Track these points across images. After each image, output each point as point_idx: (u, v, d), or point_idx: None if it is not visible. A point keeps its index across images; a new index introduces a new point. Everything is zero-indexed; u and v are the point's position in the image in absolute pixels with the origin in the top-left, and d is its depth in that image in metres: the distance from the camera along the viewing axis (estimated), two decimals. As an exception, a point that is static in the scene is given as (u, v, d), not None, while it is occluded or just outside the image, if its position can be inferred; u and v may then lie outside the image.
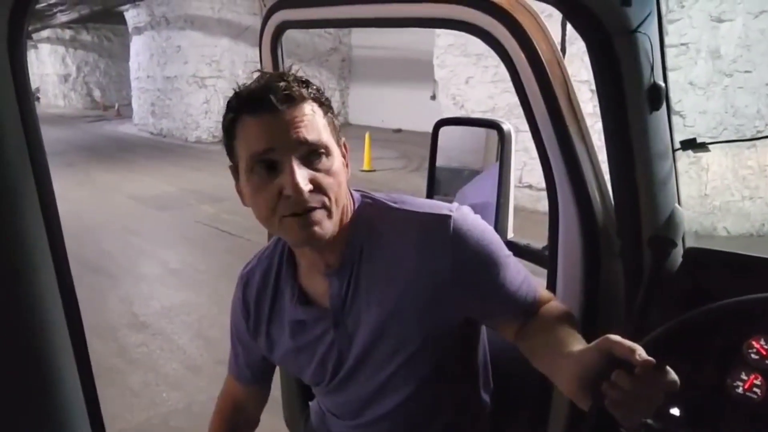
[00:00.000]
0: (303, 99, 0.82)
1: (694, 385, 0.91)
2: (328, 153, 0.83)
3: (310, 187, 0.80)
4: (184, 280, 4.62)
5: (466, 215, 0.92)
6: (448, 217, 0.89)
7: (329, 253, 0.92)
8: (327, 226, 0.83)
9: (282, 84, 0.80)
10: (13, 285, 0.51)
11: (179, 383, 3.03)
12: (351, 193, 0.94)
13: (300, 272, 0.98)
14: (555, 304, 0.98)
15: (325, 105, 0.86)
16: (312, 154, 0.81)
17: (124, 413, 2.74)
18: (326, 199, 0.82)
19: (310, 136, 0.80)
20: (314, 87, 0.86)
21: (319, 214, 0.82)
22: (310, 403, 1.27)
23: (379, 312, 0.92)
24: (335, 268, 0.92)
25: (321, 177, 0.81)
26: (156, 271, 4.83)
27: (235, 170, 0.89)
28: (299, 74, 0.87)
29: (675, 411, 0.93)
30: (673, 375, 0.69)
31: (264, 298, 1.03)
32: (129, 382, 3.04)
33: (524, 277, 0.96)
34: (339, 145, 0.88)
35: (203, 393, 2.88)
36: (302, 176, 0.79)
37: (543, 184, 1.16)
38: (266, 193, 0.82)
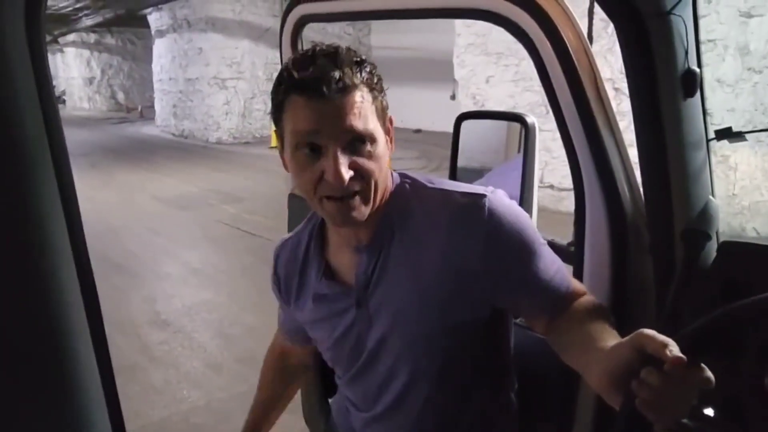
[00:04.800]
0: (355, 87, 0.81)
1: (730, 383, 0.87)
2: (372, 140, 0.83)
3: (350, 174, 0.82)
4: (206, 279, 4.66)
5: (502, 198, 0.90)
6: (484, 196, 0.88)
7: (363, 230, 0.92)
8: (363, 211, 0.86)
9: (336, 73, 0.80)
10: (34, 285, 0.51)
11: (200, 381, 3.04)
12: (391, 173, 0.94)
13: (329, 247, 0.99)
14: (589, 299, 0.95)
15: (375, 89, 0.85)
16: (356, 141, 0.82)
17: (146, 410, 2.76)
18: (365, 185, 0.84)
19: (357, 125, 0.81)
20: (367, 68, 0.85)
21: (357, 200, 0.85)
22: (330, 400, 1.26)
23: (403, 294, 0.91)
24: (365, 243, 0.93)
25: (363, 163, 0.83)
26: (178, 270, 4.88)
27: (280, 137, 0.89)
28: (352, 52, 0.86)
29: (709, 411, 0.90)
30: (708, 372, 0.66)
31: (293, 271, 1.05)
32: (151, 379, 3.07)
33: (558, 268, 0.93)
34: (385, 126, 0.88)
35: (223, 391, 2.89)
36: (344, 164, 0.81)
37: (565, 184, 1.13)
38: (309, 174, 0.84)
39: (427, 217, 0.90)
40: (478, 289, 0.89)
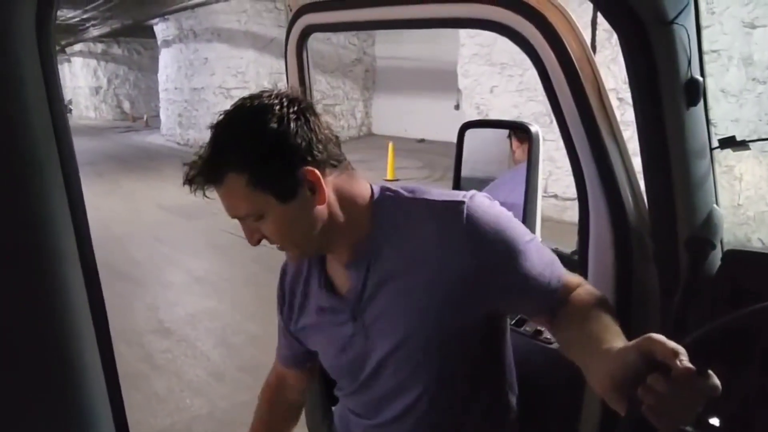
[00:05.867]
0: (222, 179, 0.85)
1: (736, 393, 0.86)
2: (257, 216, 0.87)
3: (256, 239, 0.91)
4: (209, 287, 4.66)
5: (481, 201, 0.90)
6: (461, 203, 0.88)
7: (346, 248, 0.93)
8: (293, 256, 0.96)
9: (203, 175, 0.87)
10: (42, 292, 0.51)
11: (202, 389, 3.04)
12: (372, 188, 0.95)
13: (327, 261, 1.01)
14: (588, 290, 0.94)
15: (252, 166, 0.84)
16: (245, 218, 0.89)
17: (149, 418, 2.76)
18: (279, 244, 0.92)
19: (231, 212, 0.89)
20: (243, 145, 0.84)
21: (285, 249, 0.94)
22: (333, 408, 1.25)
23: (396, 306, 0.91)
24: (352, 260, 0.94)
25: (262, 231, 0.89)
26: (181, 278, 4.88)
27: None
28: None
29: (714, 421, 0.89)
30: (715, 380, 0.65)
31: (298, 284, 1.07)
32: (154, 387, 3.06)
33: (548, 262, 0.92)
34: (290, 186, 0.85)
35: (226, 400, 2.89)
36: (247, 235, 0.91)
37: (569, 194, 1.13)
38: None
39: (411, 229, 0.91)
40: (469, 294, 0.89)
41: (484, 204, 0.90)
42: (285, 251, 0.95)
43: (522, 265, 0.89)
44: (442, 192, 0.94)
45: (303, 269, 1.05)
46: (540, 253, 0.92)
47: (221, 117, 0.89)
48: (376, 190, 0.95)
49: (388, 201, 0.94)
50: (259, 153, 0.84)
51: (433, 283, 0.88)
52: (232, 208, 0.88)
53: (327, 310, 1.00)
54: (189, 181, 0.88)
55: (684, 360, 0.64)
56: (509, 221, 0.90)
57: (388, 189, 0.96)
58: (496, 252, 0.88)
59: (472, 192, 0.91)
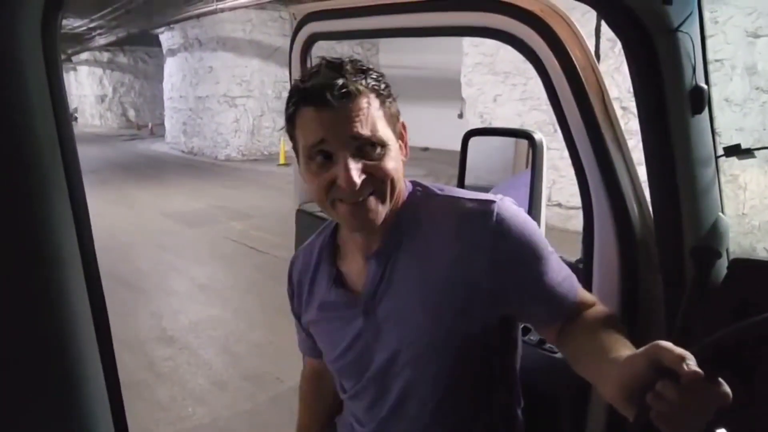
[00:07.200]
0: (359, 93, 0.83)
1: (743, 404, 0.85)
2: (382, 144, 0.84)
3: (362, 178, 0.83)
4: (212, 295, 4.66)
5: (511, 205, 0.90)
6: (493, 202, 0.88)
7: (374, 237, 0.93)
8: (379, 212, 0.87)
9: (339, 81, 0.82)
10: (44, 299, 0.51)
11: (205, 398, 3.03)
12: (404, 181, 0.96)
13: (340, 255, 1.00)
14: (600, 308, 0.94)
15: (382, 94, 0.86)
16: (366, 146, 0.83)
17: (151, 427, 2.75)
18: (379, 185, 0.85)
19: (364, 131, 0.83)
20: (373, 75, 0.86)
21: (372, 202, 0.86)
22: (336, 419, 1.24)
23: (411, 303, 0.90)
24: (375, 251, 0.93)
25: (374, 168, 0.84)
26: (185, 286, 4.88)
27: (295, 150, 0.92)
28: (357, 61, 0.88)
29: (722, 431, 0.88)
30: (725, 387, 0.64)
31: (305, 278, 1.06)
32: (157, 395, 3.06)
33: (566, 275, 0.92)
34: (396, 131, 0.89)
35: (228, 409, 2.87)
36: (355, 169, 0.82)
37: (573, 203, 1.13)
38: (322, 180, 0.85)
39: (435, 225, 0.91)
40: (486, 296, 0.88)
41: (513, 207, 0.90)
42: (371, 207, 0.85)
43: (543, 271, 0.89)
44: (471, 192, 0.95)
45: (311, 263, 1.04)
46: (560, 266, 0.92)
47: (332, 58, 0.88)
48: (408, 185, 0.96)
49: (417, 196, 0.95)
50: (389, 89, 0.88)
51: (451, 280, 0.88)
52: (363, 125, 0.82)
53: (336, 306, 0.99)
54: (324, 84, 0.82)
55: (692, 365, 0.63)
56: (535, 228, 0.91)
57: (419, 184, 0.97)
58: (520, 254, 0.88)
59: (500, 195, 0.92)
